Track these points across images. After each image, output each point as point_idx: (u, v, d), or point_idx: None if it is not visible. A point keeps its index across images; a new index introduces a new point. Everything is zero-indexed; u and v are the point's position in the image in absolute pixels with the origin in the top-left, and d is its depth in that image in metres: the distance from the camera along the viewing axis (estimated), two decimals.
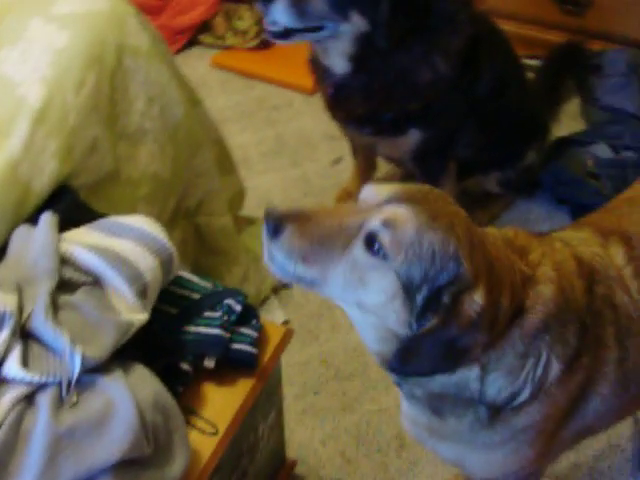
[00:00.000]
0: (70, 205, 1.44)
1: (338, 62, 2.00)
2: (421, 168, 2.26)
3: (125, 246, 1.29)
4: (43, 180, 1.43)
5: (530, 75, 2.65)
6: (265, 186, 2.71)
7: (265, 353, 1.41)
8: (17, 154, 1.40)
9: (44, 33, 1.54)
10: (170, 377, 1.27)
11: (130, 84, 1.64)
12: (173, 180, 1.81)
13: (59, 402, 1.12)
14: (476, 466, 1.32)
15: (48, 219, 1.32)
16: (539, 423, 1.19)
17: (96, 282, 1.26)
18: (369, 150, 2.44)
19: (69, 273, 1.25)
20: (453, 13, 1.96)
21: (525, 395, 1.15)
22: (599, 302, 1.20)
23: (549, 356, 1.13)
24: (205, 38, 3.47)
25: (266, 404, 1.52)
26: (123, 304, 1.24)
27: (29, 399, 1.13)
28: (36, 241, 1.27)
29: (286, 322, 2.22)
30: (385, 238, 1.02)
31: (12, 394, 1.11)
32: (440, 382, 1.14)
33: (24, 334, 1.17)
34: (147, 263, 1.29)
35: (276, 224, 1.06)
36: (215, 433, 1.28)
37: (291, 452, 1.87)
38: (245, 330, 1.38)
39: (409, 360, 1.07)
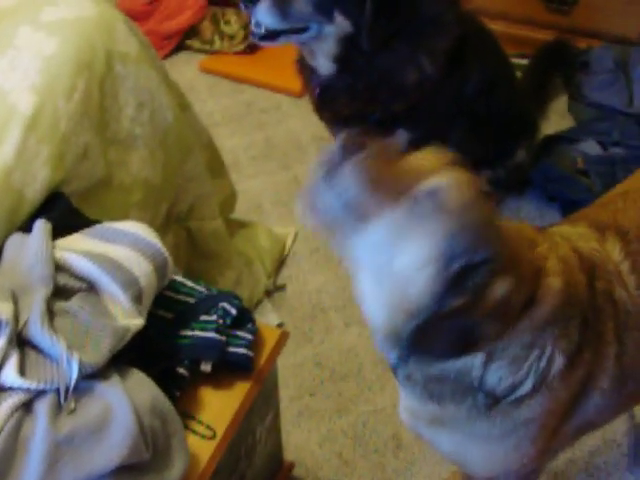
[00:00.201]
0: (63, 212, 1.44)
1: (323, 63, 2.01)
2: None
3: (119, 252, 1.29)
4: (36, 187, 1.43)
5: (519, 74, 2.67)
6: (256, 190, 2.70)
7: (261, 356, 1.41)
8: (10, 162, 1.40)
9: (33, 40, 1.53)
10: (167, 381, 1.27)
11: (120, 90, 1.64)
12: (164, 186, 1.81)
13: (57, 409, 1.12)
14: (477, 461, 1.32)
15: (42, 226, 1.32)
16: (540, 417, 1.19)
17: (91, 288, 1.26)
18: None
19: (64, 280, 1.25)
20: (440, 14, 1.97)
21: (527, 387, 1.15)
22: (600, 297, 1.20)
23: (553, 349, 1.13)
24: (193, 43, 3.46)
25: (263, 407, 1.52)
26: (119, 309, 1.24)
27: (27, 406, 1.12)
28: (30, 248, 1.27)
29: (280, 325, 2.22)
30: (449, 195, 1.00)
31: (10, 402, 1.11)
32: (441, 366, 1.14)
33: (21, 342, 1.17)
34: (142, 268, 1.29)
35: (355, 147, 1.05)
36: (213, 437, 1.28)
37: (288, 454, 1.87)
38: (241, 333, 1.38)
39: (422, 341, 1.06)
